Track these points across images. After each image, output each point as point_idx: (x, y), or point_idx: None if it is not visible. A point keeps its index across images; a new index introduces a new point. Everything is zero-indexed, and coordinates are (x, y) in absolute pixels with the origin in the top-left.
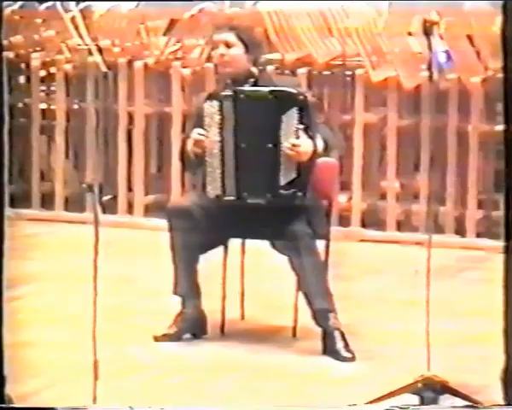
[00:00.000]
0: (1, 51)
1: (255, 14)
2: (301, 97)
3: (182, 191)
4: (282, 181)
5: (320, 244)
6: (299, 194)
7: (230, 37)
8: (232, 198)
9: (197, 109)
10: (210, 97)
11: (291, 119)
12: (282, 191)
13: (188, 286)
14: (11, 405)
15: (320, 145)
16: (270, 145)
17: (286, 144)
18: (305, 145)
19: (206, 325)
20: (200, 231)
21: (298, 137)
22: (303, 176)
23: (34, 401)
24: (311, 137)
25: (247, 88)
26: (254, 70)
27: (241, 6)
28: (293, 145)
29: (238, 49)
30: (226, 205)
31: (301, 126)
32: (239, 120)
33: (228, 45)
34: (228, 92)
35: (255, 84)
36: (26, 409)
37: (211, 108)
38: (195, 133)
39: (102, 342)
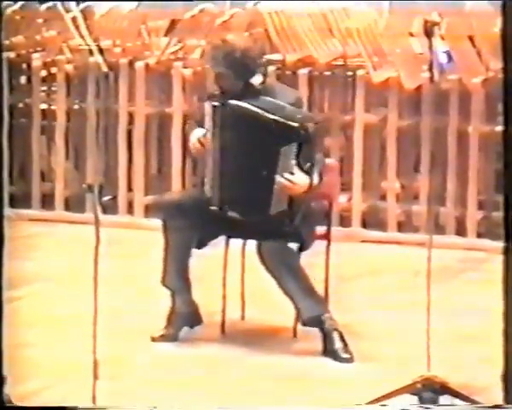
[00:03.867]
0: (0, 51)
1: (256, 15)
2: (303, 133)
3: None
4: (273, 211)
5: (321, 245)
6: (288, 222)
7: (221, 69)
8: (215, 208)
9: (201, 106)
10: (209, 98)
11: (289, 153)
12: (272, 219)
13: (178, 280)
14: (12, 405)
15: (316, 180)
16: (265, 172)
17: (280, 179)
18: (301, 181)
19: (199, 315)
20: (192, 226)
21: (293, 173)
22: (294, 209)
23: (34, 401)
24: (308, 173)
25: (234, 102)
26: (254, 80)
27: (242, 6)
28: (289, 181)
29: (228, 78)
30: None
31: (296, 163)
32: (225, 131)
33: (218, 75)
34: (216, 102)
35: (257, 94)
36: (27, 409)
37: (208, 108)
38: (195, 137)
39: (102, 342)
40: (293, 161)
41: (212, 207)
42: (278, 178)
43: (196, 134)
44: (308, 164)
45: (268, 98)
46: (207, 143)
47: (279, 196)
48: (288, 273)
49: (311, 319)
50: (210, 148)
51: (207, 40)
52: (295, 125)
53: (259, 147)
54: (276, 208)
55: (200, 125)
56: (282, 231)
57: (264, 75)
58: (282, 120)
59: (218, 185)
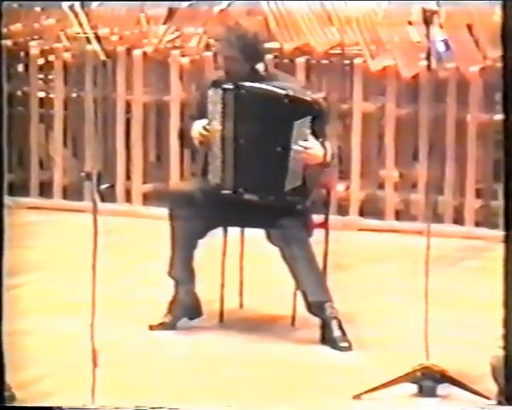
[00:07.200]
0: None
1: (254, 4)
2: (317, 107)
3: (180, 180)
4: (287, 187)
5: (319, 234)
6: (301, 200)
7: (233, 52)
8: (229, 192)
9: (201, 95)
10: (214, 85)
11: (304, 126)
12: (287, 197)
13: (183, 271)
14: (11, 405)
15: (329, 152)
16: (280, 149)
17: (296, 148)
18: (316, 149)
19: (200, 307)
20: (200, 216)
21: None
22: (308, 184)
23: (33, 389)
24: (322, 144)
25: (248, 84)
26: (259, 67)
27: None
28: (305, 148)
29: (237, 61)
30: (224, 194)
31: (311, 133)
32: (239, 114)
33: (228, 58)
34: (229, 85)
35: (262, 80)
36: (28, 409)
37: (214, 95)
38: (200, 127)
39: (101, 330)
40: (308, 131)
41: (225, 192)
42: (294, 147)
43: (198, 125)
44: (320, 139)
45: (276, 82)
46: (214, 131)
47: (294, 169)
48: (299, 254)
49: (316, 303)
50: (218, 135)
51: (206, 28)
52: (308, 98)
53: (273, 124)
54: (290, 184)
55: (201, 114)
56: (294, 210)
57: (267, 64)
58: (294, 94)
59: (232, 170)
